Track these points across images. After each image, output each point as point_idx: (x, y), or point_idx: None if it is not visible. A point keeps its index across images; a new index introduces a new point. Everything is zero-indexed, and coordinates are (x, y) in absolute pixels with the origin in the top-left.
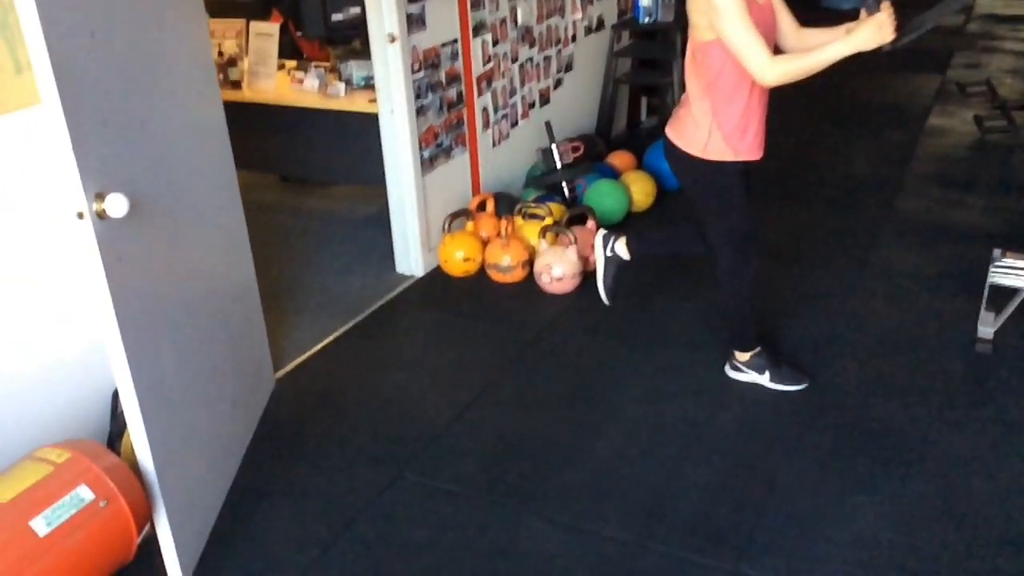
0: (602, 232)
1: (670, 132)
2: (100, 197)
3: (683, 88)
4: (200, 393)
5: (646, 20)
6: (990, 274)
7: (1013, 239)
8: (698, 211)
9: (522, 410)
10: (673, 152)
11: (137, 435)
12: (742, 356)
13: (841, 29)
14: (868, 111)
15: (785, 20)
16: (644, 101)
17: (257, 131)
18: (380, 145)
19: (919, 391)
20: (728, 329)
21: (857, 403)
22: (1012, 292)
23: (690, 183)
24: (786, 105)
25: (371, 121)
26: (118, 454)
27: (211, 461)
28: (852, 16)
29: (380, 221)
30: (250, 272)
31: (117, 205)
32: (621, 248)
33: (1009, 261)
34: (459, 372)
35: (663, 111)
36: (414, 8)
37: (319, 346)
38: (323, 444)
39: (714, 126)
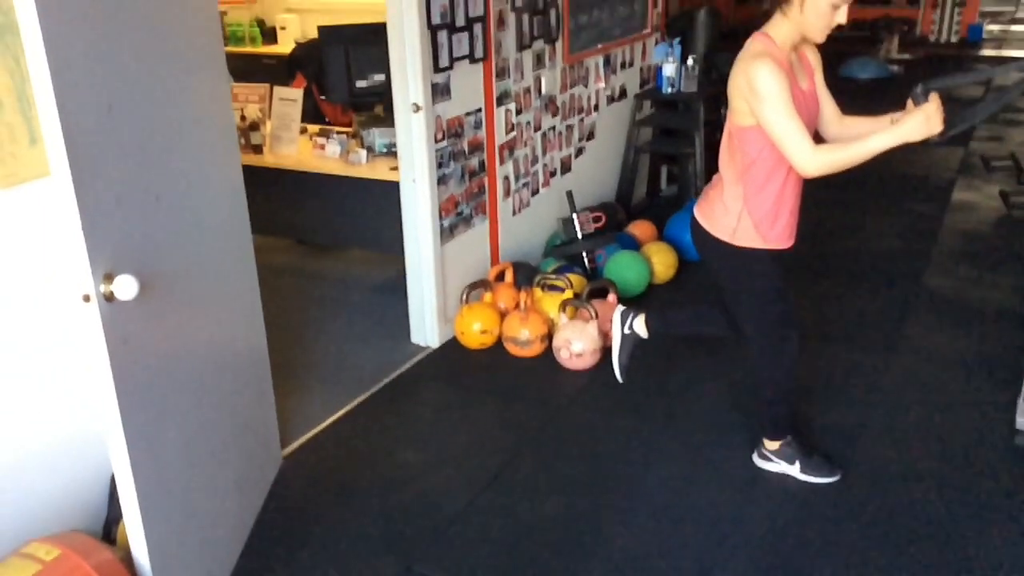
0: (621, 308)
1: (699, 213)
2: (108, 278)
3: (706, 160)
4: (203, 478)
5: (669, 90)
6: None
7: None
8: (728, 296)
9: (539, 495)
10: (700, 234)
11: (133, 529)
12: (772, 445)
13: (885, 119)
14: (892, 182)
15: (828, 107)
16: (664, 170)
17: (276, 196)
18: (399, 212)
19: (958, 488)
20: (760, 415)
21: (893, 499)
22: None
23: (718, 267)
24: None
25: (391, 188)
26: (114, 540)
27: (211, 550)
28: (868, 86)
29: (395, 287)
30: (262, 344)
31: (126, 287)
32: (640, 326)
33: None
34: (474, 452)
35: (684, 180)
36: (439, 78)
37: (329, 420)
38: (329, 531)
39: (744, 212)
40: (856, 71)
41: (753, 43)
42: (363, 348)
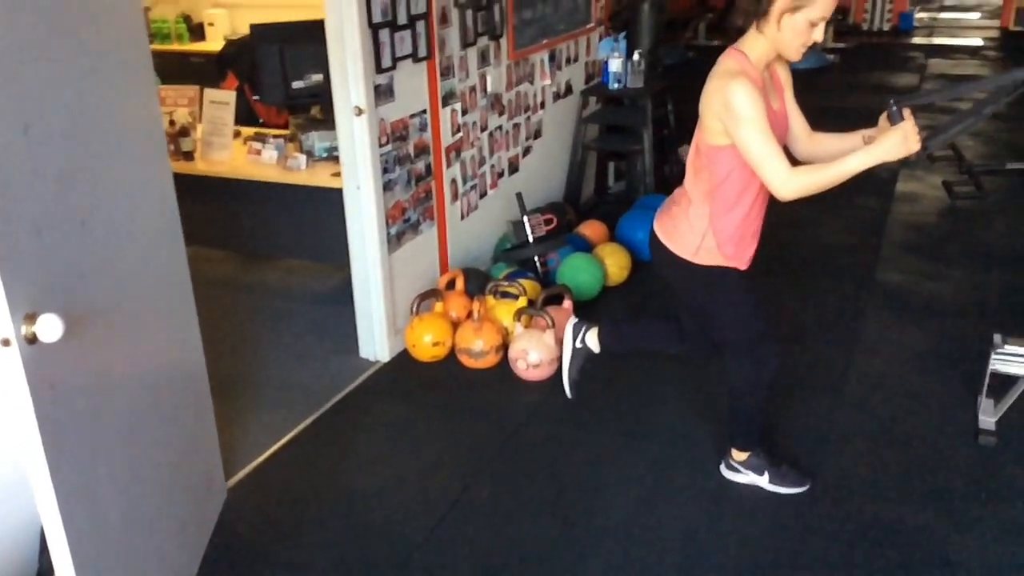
0: (573, 321)
1: (659, 229)
2: (30, 319)
3: (654, 157)
4: (142, 520)
5: (615, 86)
6: (991, 361)
7: (996, 314)
8: (700, 314)
9: (503, 519)
10: (661, 250)
11: None
12: (740, 456)
13: (857, 135)
14: None
15: (798, 123)
16: (612, 167)
17: (210, 205)
18: (342, 220)
19: (926, 491)
20: (731, 426)
21: (863, 506)
22: (1011, 379)
23: (684, 286)
24: None
25: (333, 195)
26: None
27: None
28: (807, 74)
29: (340, 299)
30: (201, 369)
31: (51, 328)
32: (592, 340)
33: (1011, 348)
34: (431, 475)
35: (632, 177)
36: (382, 79)
37: (276, 446)
38: (281, 569)
39: (709, 232)
40: (797, 63)
41: (728, 60)
42: (309, 365)
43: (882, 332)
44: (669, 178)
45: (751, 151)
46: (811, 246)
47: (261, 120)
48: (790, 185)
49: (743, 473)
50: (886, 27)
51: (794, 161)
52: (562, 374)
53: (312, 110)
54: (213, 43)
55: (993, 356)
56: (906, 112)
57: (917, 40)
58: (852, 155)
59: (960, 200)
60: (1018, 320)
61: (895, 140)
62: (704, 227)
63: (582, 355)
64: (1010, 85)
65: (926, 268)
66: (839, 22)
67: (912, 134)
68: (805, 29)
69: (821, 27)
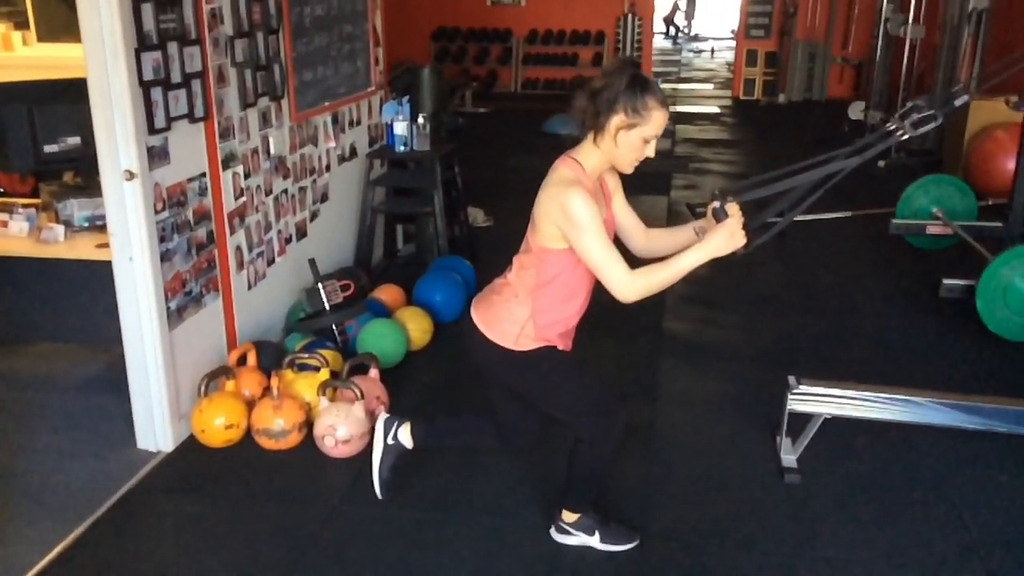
0: (384, 416)
1: (477, 317)
2: None
3: (445, 219)
4: None
5: (402, 148)
6: (788, 401)
7: (776, 354)
8: (532, 399)
9: None
10: (477, 339)
11: None
12: (571, 517)
13: (688, 228)
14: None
15: (632, 223)
16: (400, 229)
17: None
18: (109, 296)
19: (746, 533)
20: (567, 488)
21: (692, 555)
22: (806, 418)
23: (505, 375)
24: None
25: (98, 268)
26: None
27: None
28: (567, 140)
29: (108, 385)
30: None
31: None
32: (404, 436)
33: (805, 388)
34: None
35: (424, 240)
36: (155, 140)
37: (43, 563)
38: None
39: (530, 323)
40: (557, 127)
41: (563, 169)
42: (76, 464)
43: (677, 380)
44: (459, 239)
45: (591, 257)
46: (599, 300)
47: (2, 190)
48: (632, 288)
49: (574, 535)
50: None
51: (631, 259)
52: (372, 473)
53: (65, 176)
54: None
55: (789, 396)
56: (732, 208)
57: None
58: (684, 254)
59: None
60: (794, 358)
61: (722, 237)
62: (525, 318)
63: (394, 452)
64: (827, 176)
65: (707, 316)
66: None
67: (737, 231)
68: (639, 145)
69: (654, 144)
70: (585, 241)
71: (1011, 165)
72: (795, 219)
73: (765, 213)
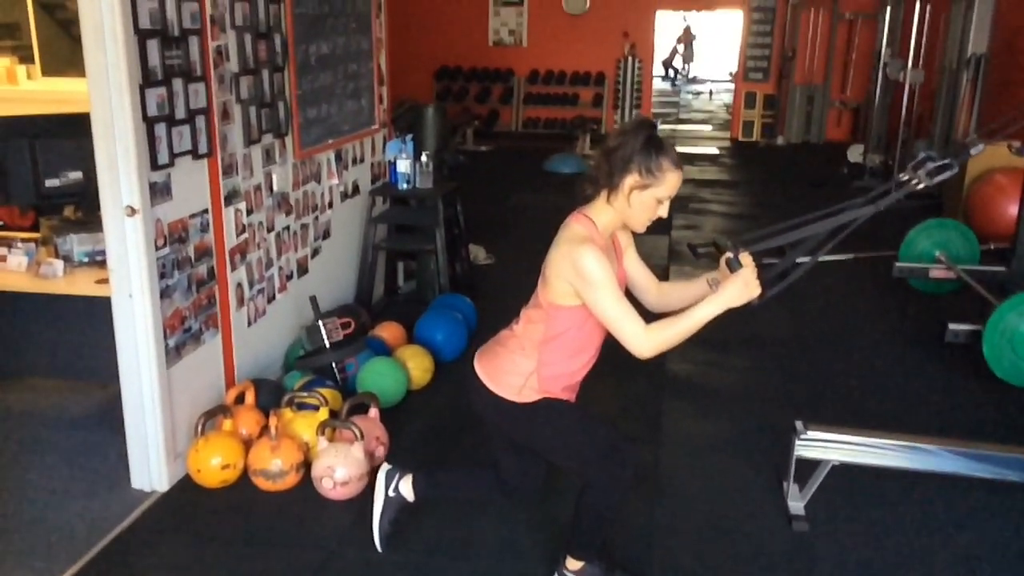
0: (386, 467)
1: (480, 369)
2: None
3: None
4: None
5: (404, 186)
6: (795, 447)
7: (782, 397)
8: (533, 451)
9: None
10: (481, 390)
11: None
12: (575, 565)
13: (702, 281)
14: None
15: (643, 278)
16: (401, 266)
17: None
18: (107, 332)
19: None
20: (575, 535)
21: None
22: (813, 464)
23: (510, 427)
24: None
25: (97, 304)
26: None
27: None
28: (569, 178)
29: (103, 422)
30: None
31: None
32: (406, 488)
33: (813, 434)
34: None
35: (425, 277)
36: (158, 176)
37: None
38: None
39: (535, 376)
40: (558, 166)
41: (576, 226)
42: (69, 503)
43: (682, 422)
44: (460, 277)
45: (606, 314)
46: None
47: (2, 223)
48: (647, 343)
49: None
50: None
51: (645, 313)
52: (372, 524)
53: (66, 211)
54: None
55: (797, 442)
56: (745, 258)
57: None
58: (699, 306)
59: None
60: (799, 402)
61: (737, 287)
62: (530, 370)
63: (395, 505)
64: (842, 226)
65: (708, 358)
66: (594, 132)
67: (752, 280)
68: (653, 205)
69: (667, 204)
70: (599, 297)
71: (1012, 209)
72: (795, 261)
73: (781, 263)
